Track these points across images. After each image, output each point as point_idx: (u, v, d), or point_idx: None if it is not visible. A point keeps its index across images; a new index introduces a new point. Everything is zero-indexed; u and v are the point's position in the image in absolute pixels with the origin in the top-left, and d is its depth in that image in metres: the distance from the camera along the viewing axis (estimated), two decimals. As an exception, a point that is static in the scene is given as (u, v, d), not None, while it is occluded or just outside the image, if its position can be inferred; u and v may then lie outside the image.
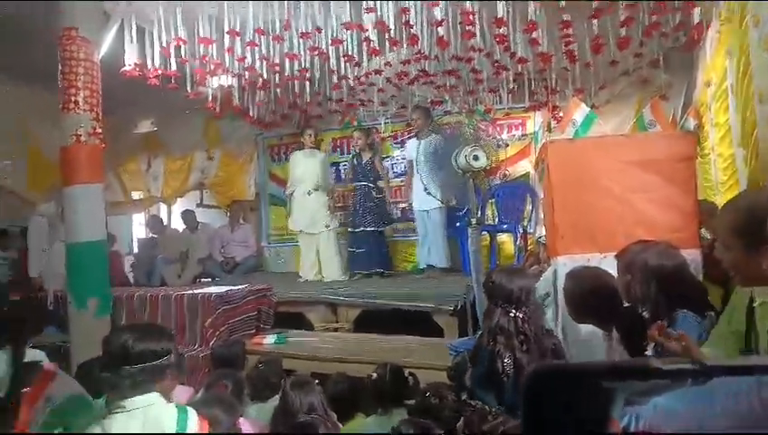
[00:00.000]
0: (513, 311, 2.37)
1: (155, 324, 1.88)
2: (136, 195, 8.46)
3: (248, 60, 4.63)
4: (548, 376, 0.45)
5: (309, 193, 6.03)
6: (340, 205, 6.90)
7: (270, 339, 4.57)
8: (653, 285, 1.97)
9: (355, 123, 6.71)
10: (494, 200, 6.10)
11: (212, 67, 4.79)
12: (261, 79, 5.14)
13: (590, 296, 2.33)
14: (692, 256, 2.69)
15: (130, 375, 1.75)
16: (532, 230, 5.73)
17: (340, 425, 2.68)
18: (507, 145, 6.22)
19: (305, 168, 6.13)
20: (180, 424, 1.81)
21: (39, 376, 2.12)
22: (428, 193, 4.20)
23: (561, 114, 5.37)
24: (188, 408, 1.90)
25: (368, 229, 5.98)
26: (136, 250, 8.35)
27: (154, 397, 1.79)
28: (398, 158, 6.74)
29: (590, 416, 0.45)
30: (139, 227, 9.14)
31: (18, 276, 6.04)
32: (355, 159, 6.27)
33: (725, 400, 0.45)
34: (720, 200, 3.72)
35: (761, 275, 1.39)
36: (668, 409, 0.45)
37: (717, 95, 3.77)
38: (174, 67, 4.40)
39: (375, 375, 2.72)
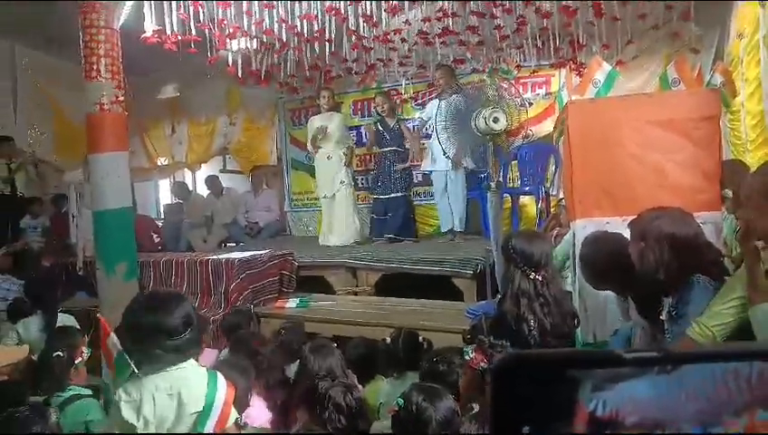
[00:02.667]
0: (533, 274, 2.36)
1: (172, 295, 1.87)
2: (161, 161, 8.57)
3: (266, 23, 4.59)
4: (515, 365, 0.45)
5: (328, 157, 5.99)
6: (362, 169, 6.89)
7: (292, 303, 4.66)
8: (666, 252, 1.94)
9: (374, 85, 6.62)
10: (516, 162, 6.01)
11: (230, 31, 4.76)
12: (279, 42, 5.09)
13: (606, 263, 2.31)
14: (714, 218, 2.63)
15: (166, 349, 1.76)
16: (554, 192, 5.65)
17: (360, 386, 2.74)
18: (531, 104, 6.08)
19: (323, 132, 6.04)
20: (210, 386, 1.85)
21: (99, 326, 2.16)
22: (447, 156, 4.14)
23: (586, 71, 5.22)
24: (217, 372, 1.95)
25: (395, 195, 5.93)
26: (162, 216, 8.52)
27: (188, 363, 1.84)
28: (420, 119, 6.66)
29: (558, 403, 0.45)
30: (165, 193, 9.29)
31: (50, 244, 6.22)
32: (380, 125, 6.14)
33: (692, 386, 0.45)
34: (749, 158, 3.61)
35: None
36: (635, 395, 0.44)
37: (749, 48, 3.61)
38: (193, 32, 4.39)
39: (389, 340, 2.76)
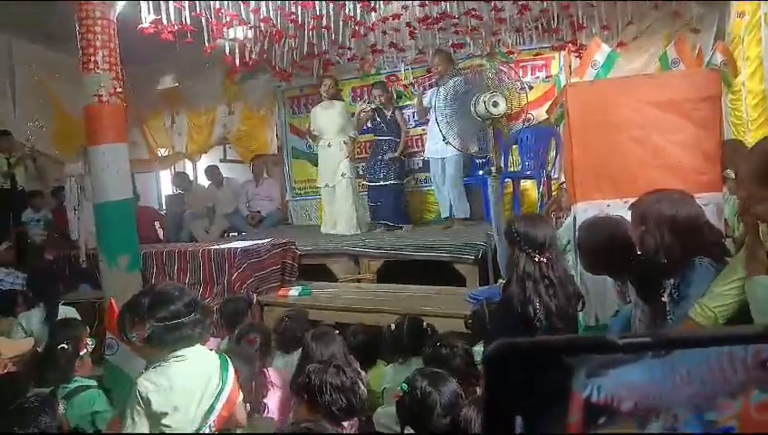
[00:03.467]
0: (538, 256, 2.36)
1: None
2: (161, 152, 8.56)
3: (263, 11, 4.56)
4: (508, 353, 0.45)
5: (329, 145, 5.96)
6: (360, 156, 6.87)
7: (295, 291, 4.67)
8: (667, 235, 1.93)
9: (373, 71, 6.58)
10: (517, 146, 5.99)
11: (227, 19, 4.73)
12: (275, 29, 5.06)
13: (602, 249, 2.31)
14: (715, 199, 2.62)
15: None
16: (556, 176, 5.63)
17: (363, 372, 2.76)
18: (531, 88, 6.04)
19: (324, 121, 6.01)
20: (223, 368, 1.92)
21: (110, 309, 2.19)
22: (447, 142, 4.13)
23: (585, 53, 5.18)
24: (227, 356, 1.99)
25: (387, 183, 5.92)
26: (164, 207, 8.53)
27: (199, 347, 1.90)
28: (420, 107, 6.62)
29: (552, 390, 0.45)
30: (167, 184, 9.29)
31: (52, 236, 6.24)
32: (377, 115, 6.10)
33: (687, 369, 0.45)
34: (750, 138, 3.59)
35: None
36: (629, 380, 0.44)
37: (750, 27, 3.58)
38: (189, 21, 4.36)
39: (393, 326, 2.77)
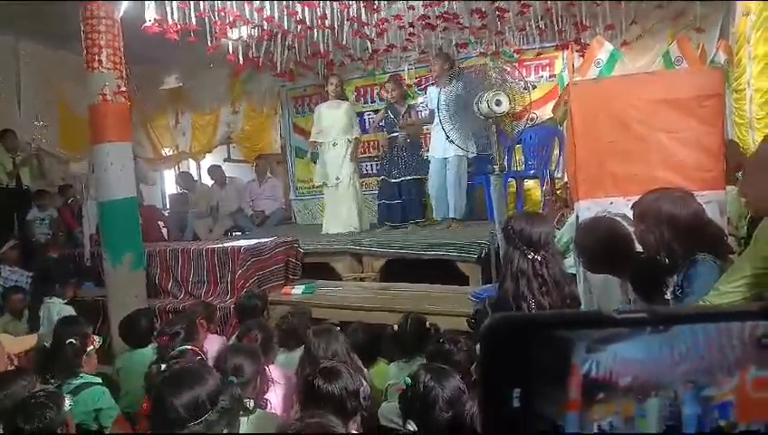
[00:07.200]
0: (532, 254, 2.37)
1: None
2: (165, 151, 8.59)
3: (267, 11, 4.58)
4: (504, 327, 0.45)
5: (333, 144, 5.94)
6: (373, 154, 6.86)
7: (298, 289, 4.68)
8: (667, 232, 1.94)
9: (379, 71, 6.59)
10: (521, 145, 5.99)
11: (231, 19, 4.75)
12: (279, 29, 5.07)
13: (602, 249, 2.32)
14: (718, 196, 2.62)
15: None
16: (559, 175, 5.63)
17: (365, 369, 2.76)
18: (534, 87, 6.03)
19: (329, 120, 5.96)
20: None
21: None
22: (450, 141, 4.13)
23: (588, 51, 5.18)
24: None
25: (408, 178, 5.84)
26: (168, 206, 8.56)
27: None
28: (422, 105, 6.63)
29: (550, 365, 0.46)
30: (171, 184, 9.32)
31: (57, 235, 6.26)
32: (390, 111, 6.04)
33: (685, 345, 0.45)
34: (756, 137, 3.58)
35: None
36: (628, 356, 0.44)
37: (757, 25, 3.57)
38: (193, 21, 4.37)
39: (396, 326, 2.78)
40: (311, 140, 6.17)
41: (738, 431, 0.45)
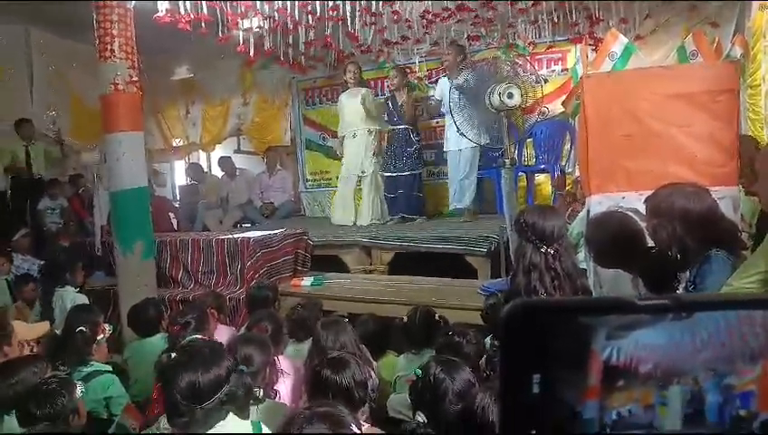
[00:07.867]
0: (545, 247, 2.36)
1: None
2: (176, 142, 8.62)
3: (278, 2, 4.57)
4: (525, 313, 0.45)
5: (354, 136, 5.90)
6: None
7: (307, 281, 4.69)
8: (679, 228, 1.93)
9: (390, 63, 6.56)
10: (531, 139, 5.96)
11: (242, 9, 4.75)
12: (291, 20, 5.06)
13: (612, 244, 2.31)
14: (731, 192, 2.59)
15: None
16: (570, 169, 5.60)
17: (374, 361, 2.77)
18: (546, 81, 5.99)
19: (350, 111, 5.95)
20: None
21: None
22: (461, 133, 4.11)
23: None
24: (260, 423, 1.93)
25: (405, 173, 5.88)
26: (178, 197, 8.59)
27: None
28: (433, 99, 6.59)
29: (570, 351, 0.45)
30: (181, 175, 9.35)
31: (68, 224, 6.31)
32: (389, 102, 6.09)
33: (707, 333, 0.45)
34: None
35: None
36: (649, 343, 0.44)
37: (773, 20, 3.52)
38: (205, 11, 4.37)
39: (406, 318, 2.78)
40: (339, 135, 6.18)
41: (759, 422, 0.45)
